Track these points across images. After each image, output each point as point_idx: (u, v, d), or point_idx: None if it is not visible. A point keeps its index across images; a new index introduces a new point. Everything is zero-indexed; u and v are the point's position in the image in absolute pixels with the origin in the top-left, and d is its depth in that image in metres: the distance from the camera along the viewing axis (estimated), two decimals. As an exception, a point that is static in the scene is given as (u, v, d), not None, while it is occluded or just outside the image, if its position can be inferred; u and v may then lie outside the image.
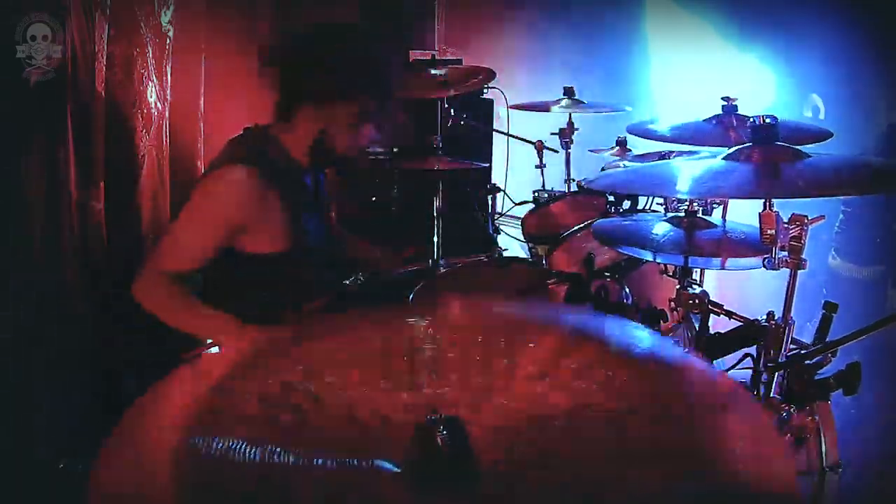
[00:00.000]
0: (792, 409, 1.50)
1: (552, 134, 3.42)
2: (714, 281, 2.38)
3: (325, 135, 1.95)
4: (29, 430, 2.24)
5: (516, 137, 3.53)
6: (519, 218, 3.14)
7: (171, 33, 2.83)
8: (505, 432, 0.90)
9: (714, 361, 1.69)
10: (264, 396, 1.01)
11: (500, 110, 3.89)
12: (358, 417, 0.98)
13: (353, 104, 1.93)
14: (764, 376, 1.55)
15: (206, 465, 0.89)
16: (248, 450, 0.91)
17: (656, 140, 2.37)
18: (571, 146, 3.38)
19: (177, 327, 1.86)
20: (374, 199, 3.64)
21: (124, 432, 0.92)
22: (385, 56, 2.00)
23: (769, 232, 1.42)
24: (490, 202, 3.38)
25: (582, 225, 2.45)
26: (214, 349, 2.13)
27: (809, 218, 1.46)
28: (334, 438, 0.94)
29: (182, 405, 0.98)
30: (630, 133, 2.45)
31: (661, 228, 1.98)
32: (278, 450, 0.90)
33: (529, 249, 2.69)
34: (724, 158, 1.55)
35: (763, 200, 1.44)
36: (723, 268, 1.89)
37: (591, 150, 3.33)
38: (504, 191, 3.55)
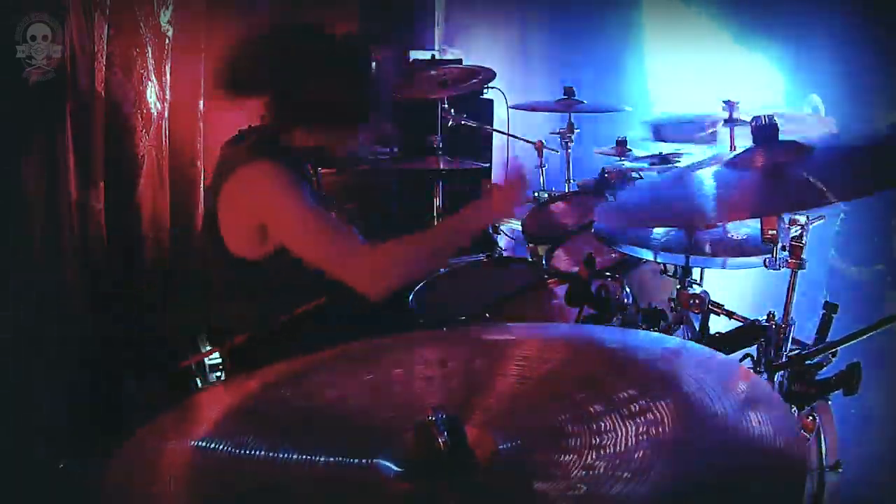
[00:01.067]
0: (792, 409, 1.50)
1: (552, 134, 3.42)
2: (715, 281, 2.37)
3: (322, 148, 1.97)
4: (29, 430, 2.24)
5: (516, 137, 3.52)
6: (519, 218, 3.14)
7: (170, 33, 2.83)
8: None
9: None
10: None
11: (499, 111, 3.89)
12: (359, 418, 0.98)
13: (348, 127, 1.96)
14: (764, 376, 1.55)
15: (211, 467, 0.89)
16: (249, 451, 0.91)
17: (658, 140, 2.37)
18: (571, 146, 3.38)
19: (443, 255, 1.84)
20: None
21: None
22: (376, 74, 2.00)
23: (770, 232, 1.42)
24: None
25: (582, 225, 2.45)
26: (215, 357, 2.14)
27: (810, 218, 1.46)
28: (335, 438, 0.94)
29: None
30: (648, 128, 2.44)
31: (661, 228, 1.98)
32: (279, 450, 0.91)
33: (529, 249, 2.69)
34: (725, 165, 1.54)
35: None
36: (724, 267, 1.89)
37: (597, 152, 3.33)
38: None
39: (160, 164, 2.85)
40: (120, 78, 2.62)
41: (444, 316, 2.03)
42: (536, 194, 3.21)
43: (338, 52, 1.93)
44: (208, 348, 2.27)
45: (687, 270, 1.92)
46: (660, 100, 4.02)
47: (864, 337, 1.43)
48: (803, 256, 1.48)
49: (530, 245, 2.66)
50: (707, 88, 3.48)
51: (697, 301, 1.79)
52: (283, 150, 1.90)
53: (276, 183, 1.81)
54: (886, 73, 3.16)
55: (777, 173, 1.43)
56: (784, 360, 1.54)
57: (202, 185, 2.99)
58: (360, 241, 1.80)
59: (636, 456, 0.81)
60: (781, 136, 1.50)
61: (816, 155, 1.44)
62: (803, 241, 1.47)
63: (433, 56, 4.25)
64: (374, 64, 1.98)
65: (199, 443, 0.94)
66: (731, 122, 2.18)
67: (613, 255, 2.18)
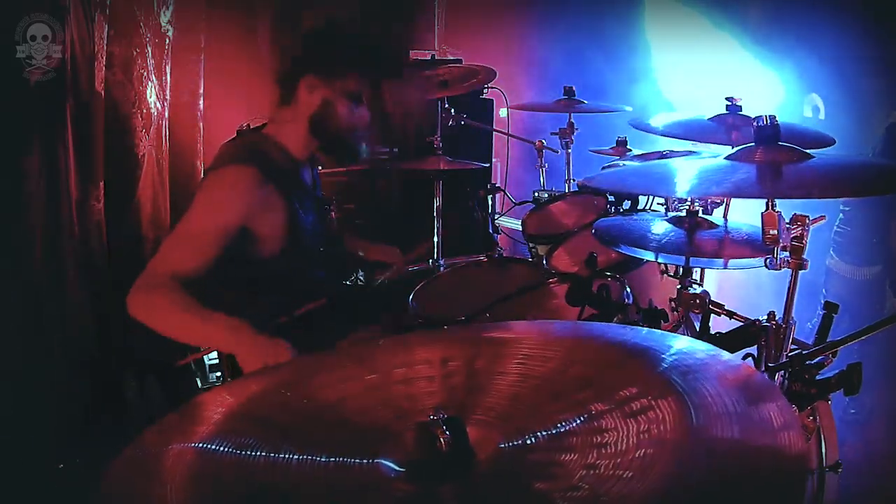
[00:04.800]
0: (792, 409, 1.50)
1: (552, 134, 3.42)
2: (715, 281, 2.38)
3: (327, 105, 1.98)
4: (29, 430, 2.24)
5: (516, 137, 3.53)
6: (519, 218, 3.14)
7: (170, 33, 2.84)
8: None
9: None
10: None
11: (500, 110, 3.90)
12: (359, 418, 0.98)
13: (353, 78, 1.98)
14: (764, 376, 1.55)
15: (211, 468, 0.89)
16: (251, 452, 0.91)
17: (658, 135, 2.37)
18: (571, 146, 3.38)
19: (178, 338, 1.77)
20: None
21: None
22: (385, 42, 2.06)
23: (771, 232, 1.42)
24: (490, 202, 3.39)
25: (582, 225, 2.45)
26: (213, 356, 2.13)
27: (811, 218, 1.46)
28: (336, 439, 0.94)
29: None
30: (632, 126, 2.46)
31: (661, 228, 1.98)
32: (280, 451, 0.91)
33: (529, 249, 2.69)
34: (726, 158, 1.55)
35: (765, 200, 1.44)
36: (724, 268, 1.89)
37: (591, 150, 3.34)
38: (504, 191, 3.56)
39: (160, 164, 2.85)
40: (120, 78, 2.62)
41: (444, 316, 2.03)
42: (536, 194, 3.21)
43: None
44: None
45: (688, 270, 1.92)
46: (660, 100, 4.03)
47: (864, 337, 1.43)
48: (804, 256, 1.48)
49: (530, 245, 2.66)
50: (708, 88, 3.48)
51: (698, 301, 1.79)
52: (255, 154, 1.91)
53: (208, 187, 1.89)
54: (886, 74, 3.16)
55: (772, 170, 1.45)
56: (784, 360, 1.53)
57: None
58: (169, 273, 1.74)
59: (637, 455, 0.81)
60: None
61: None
62: (804, 241, 1.46)
63: (433, 56, 4.25)
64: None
65: (200, 444, 0.93)
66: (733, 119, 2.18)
67: (613, 255, 2.18)
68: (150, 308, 1.73)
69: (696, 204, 1.99)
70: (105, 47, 2.52)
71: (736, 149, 1.56)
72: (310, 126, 2.00)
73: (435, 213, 3.06)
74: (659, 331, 1.22)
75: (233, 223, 1.83)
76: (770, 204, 1.44)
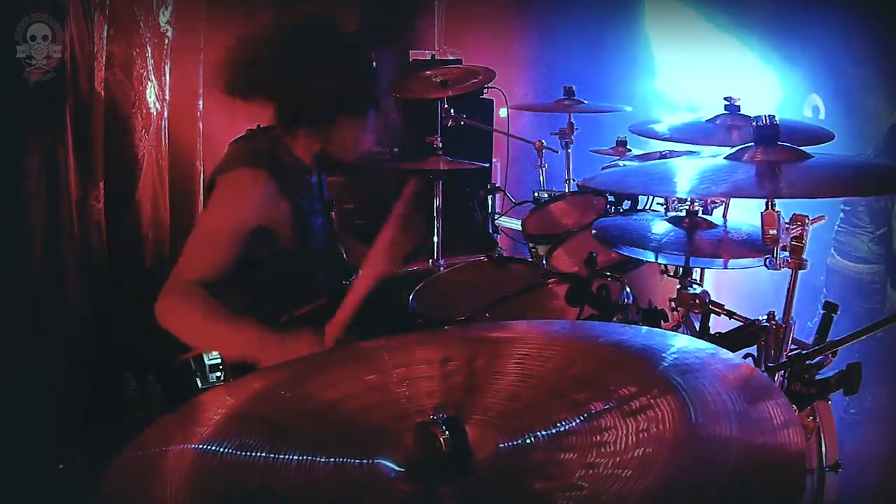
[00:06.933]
0: (792, 409, 1.50)
1: (552, 134, 3.42)
2: (714, 281, 2.37)
3: (326, 149, 2.00)
4: (29, 430, 2.24)
5: (516, 137, 3.53)
6: (519, 218, 3.14)
7: (169, 33, 2.83)
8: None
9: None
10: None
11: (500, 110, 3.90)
12: (359, 418, 0.99)
13: (350, 121, 1.97)
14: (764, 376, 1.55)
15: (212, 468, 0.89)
16: (251, 452, 0.91)
17: (660, 140, 2.38)
18: (571, 146, 3.38)
19: (206, 346, 1.78)
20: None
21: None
22: (375, 69, 2.03)
23: (771, 232, 1.42)
24: (490, 202, 3.38)
25: (582, 225, 2.45)
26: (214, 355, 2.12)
27: (811, 218, 1.46)
28: (336, 439, 0.94)
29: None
30: (633, 132, 2.46)
31: (661, 228, 1.98)
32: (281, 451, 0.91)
33: (529, 249, 2.69)
34: (726, 158, 1.55)
35: (765, 200, 1.44)
36: (724, 268, 1.89)
37: (591, 150, 3.34)
38: (504, 191, 3.55)
39: (160, 164, 2.85)
40: (120, 78, 2.62)
41: (444, 316, 2.03)
42: (536, 194, 3.21)
43: (338, 51, 1.94)
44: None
45: (688, 270, 1.92)
46: (660, 100, 4.03)
47: (864, 337, 1.43)
48: (804, 256, 1.48)
49: (530, 245, 2.66)
50: (708, 88, 3.48)
51: (698, 301, 1.79)
52: (265, 156, 1.91)
53: (221, 190, 1.87)
54: (886, 74, 3.17)
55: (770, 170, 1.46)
56: (784, 359, 1.53)
57: (202, 185, 2.99)
58: (194, 279, 1.74)
59: (637, 454, 0.81)
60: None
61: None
62: (804, 241, 1.47)
63: (433, 56, 4.25)
64: (373, 62, 2.01)
65: (200, 444, 0.94)
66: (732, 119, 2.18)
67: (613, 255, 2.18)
68: (179, 317, 1.73)
69: (696, 204, 1.99)
70: (105, 47, 2.52)
71: (735, 148, 1.56)
72: (314, 159, 2.03)
73: (435, 213, 3.06)
74: (659, 330, 1.22)
75: (248, 225, 1.83)
76: (769, 204, 1.44)
